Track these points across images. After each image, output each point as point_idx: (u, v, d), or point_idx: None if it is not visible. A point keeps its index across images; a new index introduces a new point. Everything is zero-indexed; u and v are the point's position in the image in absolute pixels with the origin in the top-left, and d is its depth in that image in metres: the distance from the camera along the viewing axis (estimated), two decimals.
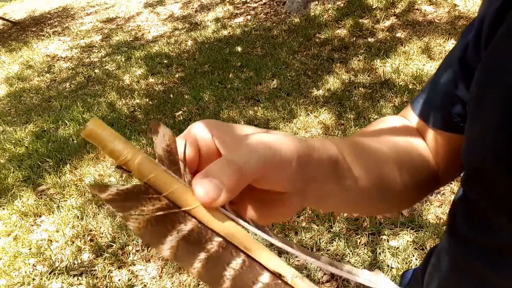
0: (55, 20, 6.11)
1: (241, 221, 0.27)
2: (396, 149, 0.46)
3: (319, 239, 1.92)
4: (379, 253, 1.80)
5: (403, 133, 0.49)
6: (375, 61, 3.23)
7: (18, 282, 1.99)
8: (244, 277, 0.25)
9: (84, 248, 2.14)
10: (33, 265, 2.09)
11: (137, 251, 2.06)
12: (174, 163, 0.27)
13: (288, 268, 0.25)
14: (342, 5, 4.14)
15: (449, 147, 0.47)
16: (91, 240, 2.18)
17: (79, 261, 2.06)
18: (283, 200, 0.32)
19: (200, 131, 0.31)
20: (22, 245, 2.22)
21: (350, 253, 1.83)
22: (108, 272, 1.98)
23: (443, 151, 0.48)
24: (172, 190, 0.26)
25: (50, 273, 2.01)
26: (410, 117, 0.52)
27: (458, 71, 0.45)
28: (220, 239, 0.26)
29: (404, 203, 0.51)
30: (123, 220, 0.25)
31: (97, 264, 2.02)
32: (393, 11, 3.83)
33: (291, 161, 0.30)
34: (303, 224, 2.01)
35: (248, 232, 0.27)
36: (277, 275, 0.25)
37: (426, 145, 0.50)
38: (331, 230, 1.96)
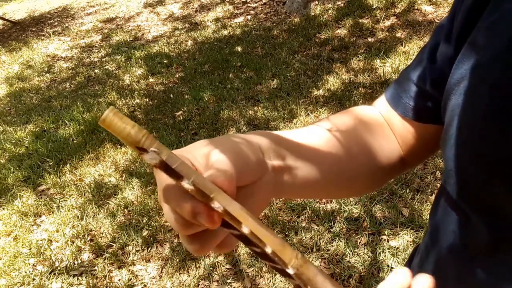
0: (55, 20, 6.11)
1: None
2: (348, 145, 0.49)
3: (319, 239, 1.92)
4: (379, 253, 1.80)
5: (362, 127, 0.52)
6: (375, 61, 3.23)
7: (18, 282, 1.99)
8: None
9: (84, 248, 2.14)
10: (33, 265, 2.09)
11: (137, 251, 2.06)
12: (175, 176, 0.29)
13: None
14: (342, 5, 4.14)
15: (417, 134, 0.50)
16: (91, 240, 2.18)
17: (79, 261, 2.06)
18: (255, 190, 0.36)
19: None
20: (22, 245, 2.22)
21: (350, 253, 1.83)
22: (108, 272, 1.98)
23: (411, 137, 0.51)
24: (195, 177, 0.28)
25: (50, 273, 2.01)
26: (382, 104, 0.54)
27: (428, 69, 0.46)
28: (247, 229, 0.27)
29: (363, 189, 0.55)
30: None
31: (97, 264, 2.02)
32: (393, 11, 3.83)
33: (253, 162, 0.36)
34: (303, 224, 2.01)
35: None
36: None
37: (388, 135, 0.53)
38: (331, 230, 1.96)
